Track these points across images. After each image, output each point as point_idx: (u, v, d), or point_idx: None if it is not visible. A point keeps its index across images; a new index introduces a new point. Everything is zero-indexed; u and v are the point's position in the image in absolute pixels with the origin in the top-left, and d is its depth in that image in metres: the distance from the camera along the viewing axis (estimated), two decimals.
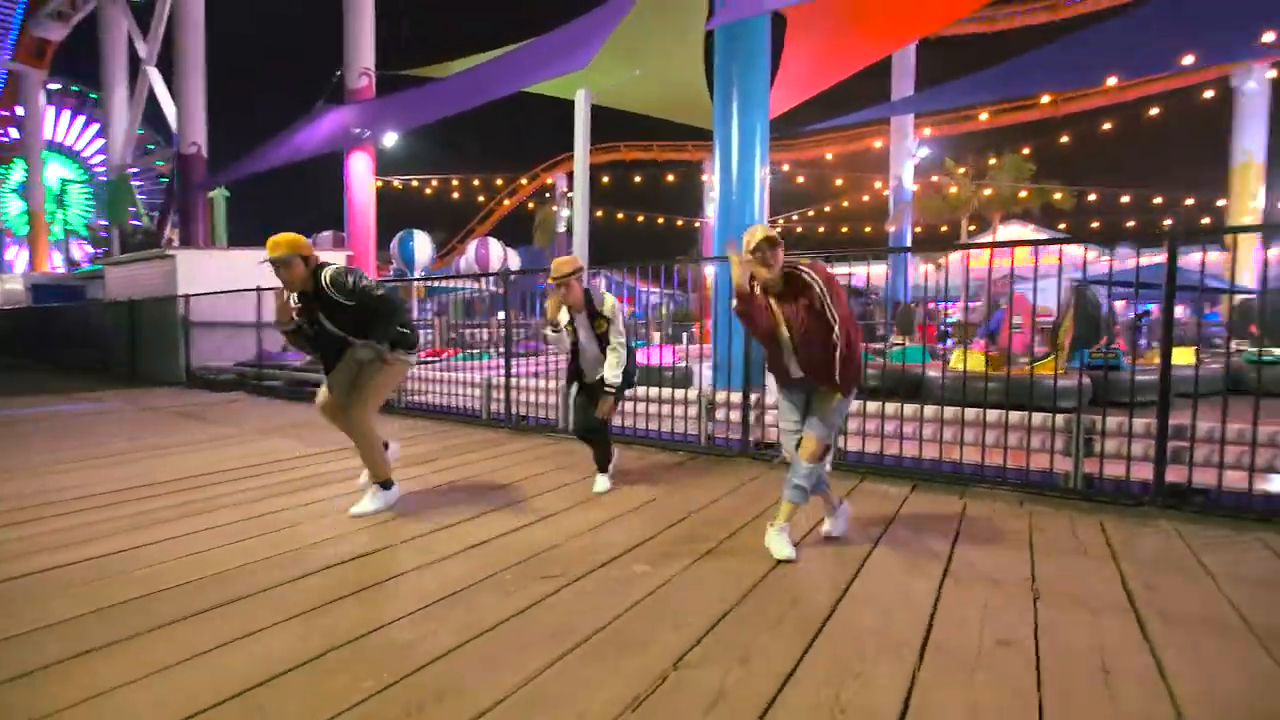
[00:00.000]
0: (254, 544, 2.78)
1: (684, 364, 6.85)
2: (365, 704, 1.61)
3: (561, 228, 31.58)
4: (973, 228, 23.61)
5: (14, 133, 34.89)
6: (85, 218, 35.74)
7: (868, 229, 28.80)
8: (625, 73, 8.32)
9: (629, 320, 4.07)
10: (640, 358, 4.42)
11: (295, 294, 3.09)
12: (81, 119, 37.84)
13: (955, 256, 18.57)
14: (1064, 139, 23.09)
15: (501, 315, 6.42)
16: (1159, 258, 3.54)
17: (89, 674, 1.75)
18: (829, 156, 27.42)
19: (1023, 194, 22.13)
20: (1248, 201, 21.87)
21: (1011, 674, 1.77)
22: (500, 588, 2.34)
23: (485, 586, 2.35)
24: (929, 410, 4.10)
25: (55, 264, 33.08)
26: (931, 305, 10.58)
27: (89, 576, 2.43)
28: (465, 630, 2.00)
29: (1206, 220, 23.43)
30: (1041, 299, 6.99)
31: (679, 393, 5.03)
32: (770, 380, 3.25)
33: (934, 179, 24.09)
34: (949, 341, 9.74)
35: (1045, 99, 21.78)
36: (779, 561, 2.56)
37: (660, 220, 31.89)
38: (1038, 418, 3.77)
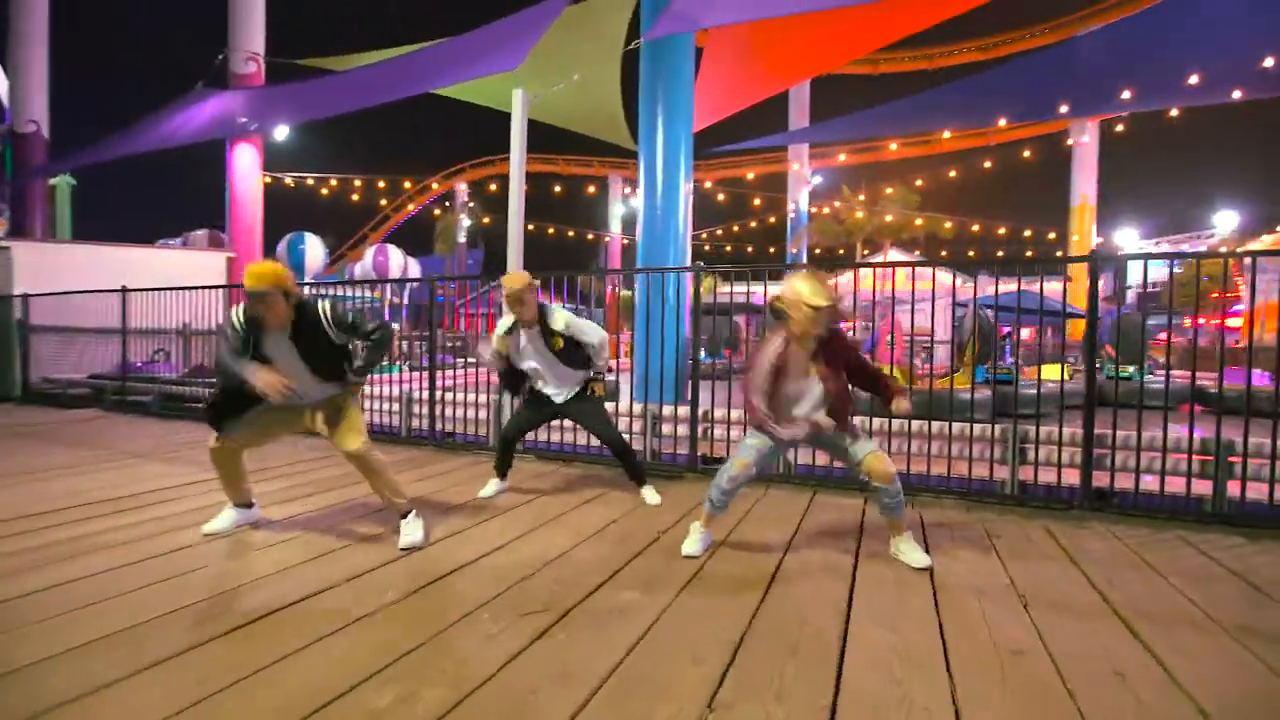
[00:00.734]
0: (160, 590, 2.30)
1: (613, 377, 6.69)
2: None
3: (462, 237, 30.56)
4: (866, 252, 25.35)
5: None
6: None
7: (772, 249, 30.24)
8: (558, 78, 8.12)
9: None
10: None
11: (252, 319, 2.76)
12: None
13: (845, 279, 19.80)
14: (952, 174, 25.62)
15: (406, 326, 5.97)
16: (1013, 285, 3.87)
17: None
18: (750, 176, 28.70)
19: (919, 221, 24.16)
20: (1083, 238, 25.14)
21: (1040, 684, 1.76)
22: (480, 629, 2.05)
23: (462, 629, 2.05)
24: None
25: None
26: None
27: None
28: (455, 688, 1.69)
29: (1060, 253, 26.74)
30: (919, 320, 7.54)
31: (621, 405, 4.86)
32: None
33: (831, 206, 25.75)
34: None
35: (946, 134, 24.04)
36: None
37: (570, 233, 31.76)
38: (976, 429, 3.98)
